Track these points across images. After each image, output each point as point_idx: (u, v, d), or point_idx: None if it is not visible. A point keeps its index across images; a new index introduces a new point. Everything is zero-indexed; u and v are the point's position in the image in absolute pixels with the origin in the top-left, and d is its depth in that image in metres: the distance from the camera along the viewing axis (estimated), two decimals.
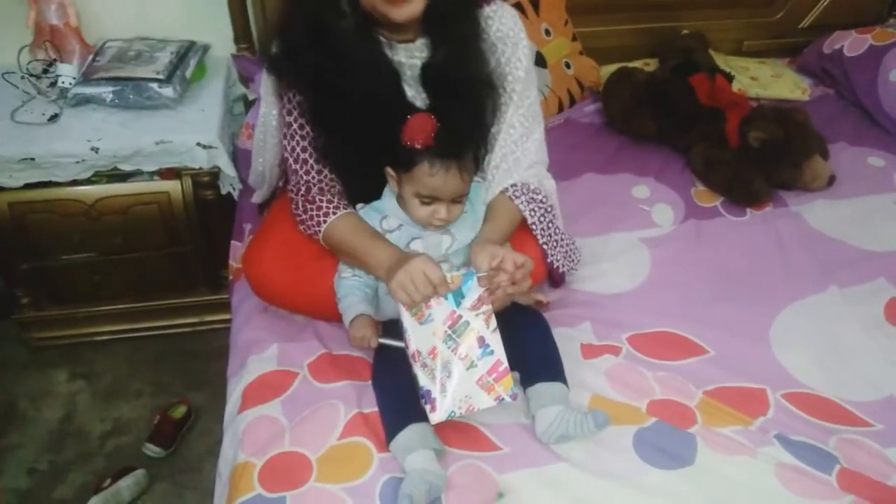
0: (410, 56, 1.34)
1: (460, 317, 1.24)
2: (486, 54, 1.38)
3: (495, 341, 1.24)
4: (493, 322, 1.25)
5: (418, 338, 1.23)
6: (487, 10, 1.38)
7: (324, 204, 1.37)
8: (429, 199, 1.27)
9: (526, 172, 1.45)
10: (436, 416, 1.20)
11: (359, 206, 1.39)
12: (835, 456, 1.26)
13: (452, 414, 1.21)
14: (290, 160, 1.40)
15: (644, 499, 1.18)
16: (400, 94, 1.35)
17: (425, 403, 1.21)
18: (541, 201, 1.46)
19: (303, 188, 1.39)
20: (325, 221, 1.36)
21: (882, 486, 1.22)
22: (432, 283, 1.19)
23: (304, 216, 1.39)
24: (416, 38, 1.34)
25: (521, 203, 1.43)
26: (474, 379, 1.22)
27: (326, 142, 1.35)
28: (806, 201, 1.88)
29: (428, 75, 1.35)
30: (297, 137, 1.37)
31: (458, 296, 1.24)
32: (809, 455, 1.26)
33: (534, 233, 1.45)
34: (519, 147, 1.45)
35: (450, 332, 1.23)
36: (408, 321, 1.23)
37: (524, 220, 1.44)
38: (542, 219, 1.46)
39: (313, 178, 1.38)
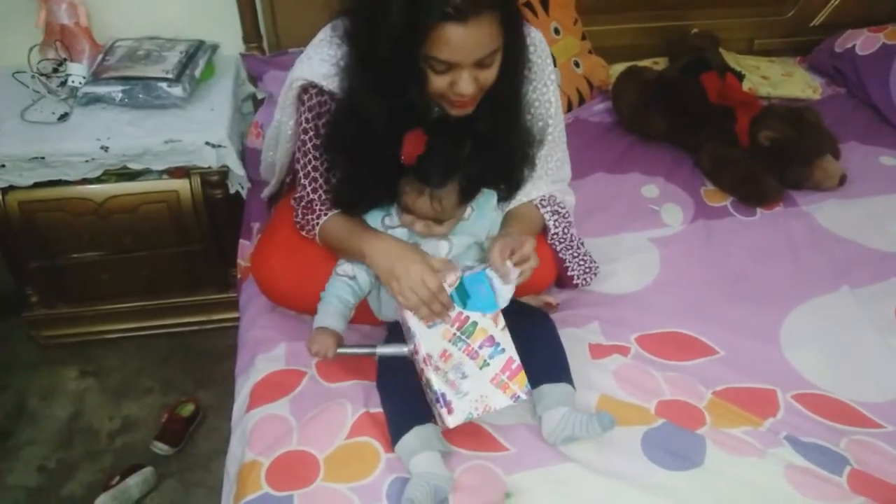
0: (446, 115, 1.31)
1: (468, 317, 1.23)
2: (525, 122, 1.36)
3: (505, 339, 1.24)
4: (501, 320, 1.25)
5: (428, 341, 1.22)
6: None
7: (317, 208, 1.38)
8: (406, 208, 1.27)
9: (553, 186, 1.48)
10: (452, 420, 1.20)
11: None
12: (845, 457, 1.25)
13: (470, 416, 1.21)
14: (301, 175, 1.40)
15: (652, 500, 1.17)
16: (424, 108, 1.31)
17: (441, 407, 1.20)
18: (564, 215, 1.49)
19: (304, 200, 1.40)
20: (317, 224, 1.38)
21: (893, 487, 1.21)
22: (430, 291, 1.20)
23: (301, 221, 1.41)
24: None
25: (547, 213, 1.46)
26: (488, 378, 1.22)
27: (339, 155, 1.34)
28: (817, 201, 1.86)
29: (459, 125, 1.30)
30: (310, 157, 1.37)
31: (464, 295, 1.24)
32: (820, 456, 1.25)
33: (551, 243, 1.47)
34: (546, 163, 1.46)
35: (458, 333, 1.23)
36: (416, 325, 1.23)
37: (545, 230, 1.46)
38: (564, 231, 1.49)
39: (319, 195, 1.39)
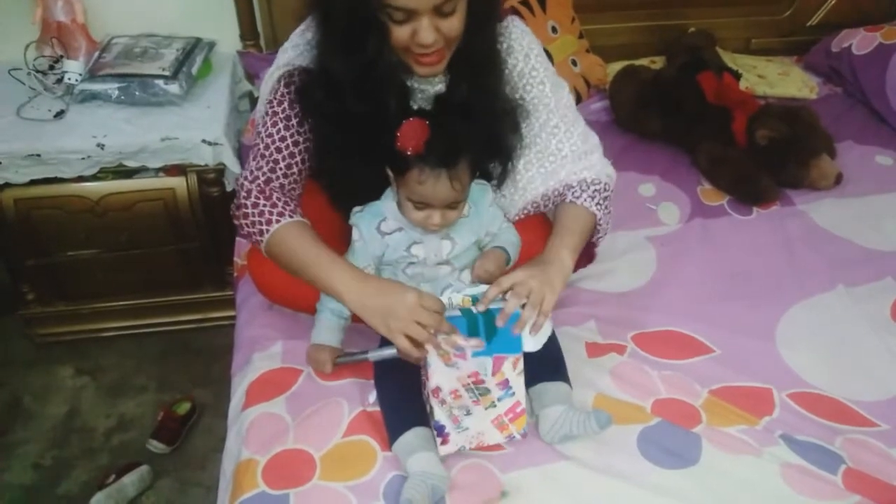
0: (423, 83, 1.32)
1: (483, 380, 1.20)
2: (505, 84, 1.35)
3: (518, 383, 1.22)
4: (521, 365, 1.21)
5: (441, 376, 1.18)
6: (498, 27, 1.34)
7: (278, 206, 1.25)
8: (421, 205, 1.25)
9: (578, 165, 1.41)
10: (445, 450, 1.21)
11: (356, 209, 1.34)
12: (840, 456, 1.25)
13: (462, 448, 1.22)
14: (262, 145, 1.29)
15: (648, 498, 1.18)
16: (404, 109, 1.30)
17: (437, 436, 1.20)
18: (602, 189, 1.41)
19: (261, 178, 1.27)
20: (269, 228, 1.24)
21: (888, 486, 1.21)
22: (436, 316, 1.14)
23: (250, 211, 1.25)
24: None
25: (585, 201, 1.38)
26: (490, 418, 1.22)
27: (326, 138, 1.32)
28: (813, 200, 1.87)
29: (442, 102, 1.30)
30: (280, 126, 1.29)
31: (491, 333, 1.18)
32: (815, 455, 1.25)
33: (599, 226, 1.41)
34: (565, 145, 1.42)
35: (473, 386, 1.20)
36: (433, 358, 1.18)
37: (594, 217, 1.40)
38: (606, 210, 1.41)
39: (281, 172, 1.28)
